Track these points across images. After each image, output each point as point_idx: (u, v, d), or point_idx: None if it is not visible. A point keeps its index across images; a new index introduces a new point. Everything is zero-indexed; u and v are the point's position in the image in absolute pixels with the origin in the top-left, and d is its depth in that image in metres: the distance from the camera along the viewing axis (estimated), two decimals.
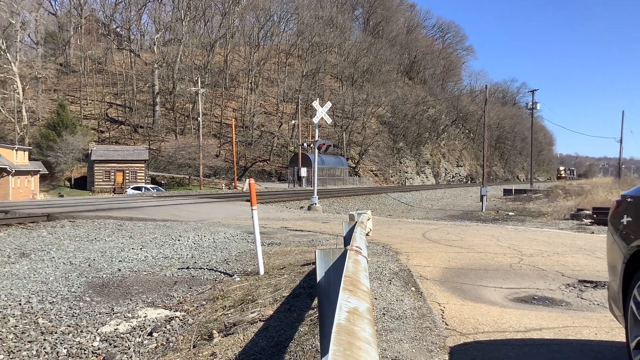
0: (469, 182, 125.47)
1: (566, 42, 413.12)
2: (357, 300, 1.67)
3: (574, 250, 10.46)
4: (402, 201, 52.73)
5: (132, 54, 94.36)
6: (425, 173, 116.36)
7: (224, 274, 9.12)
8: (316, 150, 28.95)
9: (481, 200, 43.95)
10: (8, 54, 70.90)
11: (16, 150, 56.50)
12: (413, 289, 6.62)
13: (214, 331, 5.88)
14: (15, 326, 6.61)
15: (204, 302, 7.28)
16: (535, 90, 78.35)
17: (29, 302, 7.49)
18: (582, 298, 6.44)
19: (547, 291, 6.73)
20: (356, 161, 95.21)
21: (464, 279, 7.35)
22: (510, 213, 38.77)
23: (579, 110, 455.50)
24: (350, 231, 6.63)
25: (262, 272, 8.52)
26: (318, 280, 3.11)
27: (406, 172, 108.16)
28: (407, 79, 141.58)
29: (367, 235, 7.93)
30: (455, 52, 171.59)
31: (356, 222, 7.18)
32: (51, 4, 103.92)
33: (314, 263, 8.66)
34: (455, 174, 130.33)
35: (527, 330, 4.97)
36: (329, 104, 28.27)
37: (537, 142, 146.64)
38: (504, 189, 74.61)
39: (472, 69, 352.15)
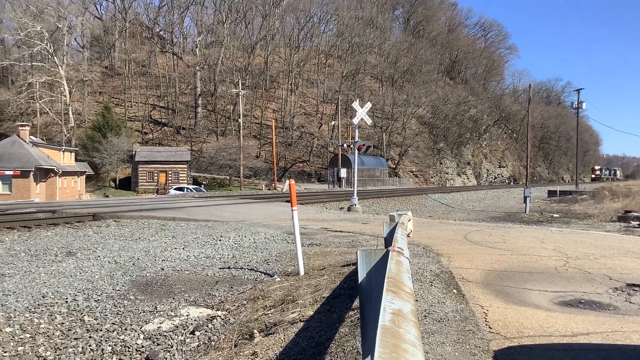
0: (511, 183, 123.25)
1: (612, 39, 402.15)
2: (401, 302, 1.65)
3: (622, 253, 10.16)
4: (442, 202, 52.17)
5: (175, 56, 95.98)
6: (466, 174, 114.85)
7: (265, 274, 9.17)
8: (356, 151, 28.88)
9: (524, 201, 43.13)
10: (55, 58, 73.03)
11: (63, 151, 58.11)
12: (455, 291, 6.53)
13: (255, 331, 5.91)
14: (62, 323, 6.77)
15: (245, 302, 7.34)
16: (581, 89, 76.82)
17: (75, 300, 7.67)
18: (630, 302, 6.24)
19: (594, 295, 6.55)
20: (396, 162, 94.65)
21: (508, 282, 7.21)
22: (554, 215, 37.96)
23: (626, 110, 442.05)
24: (391, 232, 6.58)
25: (302, 272, 8.53)
26: (359, 281, 3.09)
27: (447, 173, 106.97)
28: (448, 78, 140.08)
29: (407, 236, 7.86)
30: (498, 51, 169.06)
31: (397, 223, 7.12)
32: (97, 9, 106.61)
33: (354, 264, 8.63)
34: (498, 174, 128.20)
35: (573, 334, 4.85)
36: (368, 105, 28.18)
37: (583, 142, 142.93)
38: (548, 191, 72.99)
39: (515, 68, 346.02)
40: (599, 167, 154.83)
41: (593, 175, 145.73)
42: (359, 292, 3.16)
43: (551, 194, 69.08)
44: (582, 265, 8.63)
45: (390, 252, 2.92)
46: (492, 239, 12.64)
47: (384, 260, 2.90)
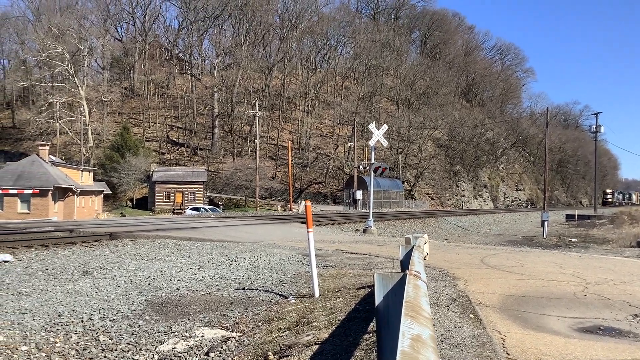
0: (529, 206, 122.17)
1: (631, 63, 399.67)
2: (419, 327, 1.63)
3: None
4: (459, 225, 51.81)
5: (193, 78, 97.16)
6: (483, 197, 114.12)
7: (280, 295, 9.13)
8: (372, 173, 28.85)
9: (542, 225, 42.70)
10: (76, 79, 74.29)
11: (82, 171, 58.76)
12: (472, 315, 6.45)
13: (269, 353, 5.87)
14: (77, 342, 6.78)
15: (260, 323, 7.30)
16: (599, 112, 76.26)
17: (91, 319, 7.69)
18: None
19: (614, 321, 6.43)
20: (412, 184, 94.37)
21: (525, 307, 7.11)
22: (573, 239, 37.51)
23: None
24: (407, 255, 6.54)
25: (317, 294, 8.49)
26: (376, 304, 3.07)
27: (463, 196, 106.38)
28: (465, 101, 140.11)
29: (423, 259, 7.81)
30: (515, 74, 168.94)
31: (413, 245, 7.08)
32: (117, 31, 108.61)
33: (370, 286, 8.58)
34: (515, 198, 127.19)
35: None
36: (385, 127, 28.22)
37: (601, 166, 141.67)
38: (566, 215, 72.22)
39: (532, 91, 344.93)
40: (611, 191, 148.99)
41: (604, 200, 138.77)
42: (376, 315, 3.13)
43: (569, 218, 68.32)
44: (601, 291, 8.49)
45: (407, 275, 2.90)
46: (509, 263, 12.50)
47: (401, 283, 2.88)
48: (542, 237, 40.77)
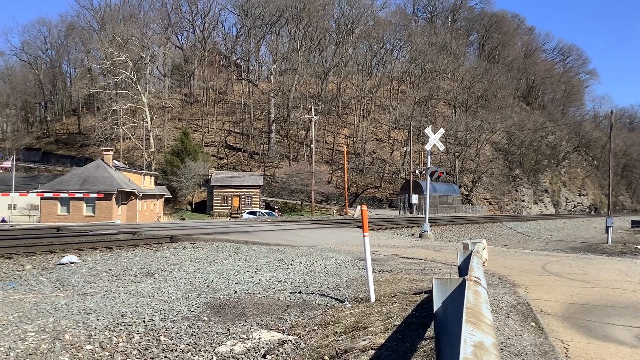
0: (592, 212, 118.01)
1: None
2: (481, 334, 1.60)
3: None
4: (518, 231, 50.56)
5: (251, 83, 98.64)
6: (543, 202, 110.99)
7: (335, 299, 9.13)
8: (428, 178, 28.54)
9: (606, 231, 41.20)
10: (139, 86, 76.64)
11: (144, 175, 60.45)
12: (533, 324, 6.28)
13: (326, 357, 5.88)
14: (139, 342, 6.97)
15: (316, 327, 7.32)
16: None
17: (152, 320, 7.88)
18: None
19: None
20: (469, 189, 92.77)
21: (589, 316, 6.87)
22: (639, 246, 36.02)
23: None
24: (466, 261, 6.43)
25: (373, 299, 8.44)
26: (435, 310, 3.03)
27: (523, 201, 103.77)
28: (525, 104, 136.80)
29: (482, 265, 7.65)
30: (577, 76, 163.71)
31: (471, 251, 6.96)
32: (178, 39, 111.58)
33: (426, 292, 8.47)
34: (577, 203, 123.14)
35: None
36: (441, 131, 27.87)
37: None
38: (632, 221, 69.37)
39: (596, 93, 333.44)
40: None
41: None
42: (434, 321, 3.09)
43: (635, 224, 65.69)
44: None
45: (467, 281, 2.84)
46: (572, 270, 12.10)
47: (460, 289, 2.83)
48: (606, 243, 39.37)
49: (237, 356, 6.49)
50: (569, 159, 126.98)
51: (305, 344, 6.66)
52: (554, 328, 6.11)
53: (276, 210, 67.62)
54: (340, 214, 66.33)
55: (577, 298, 8.18)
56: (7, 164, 67.87)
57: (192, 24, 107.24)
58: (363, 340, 6.15)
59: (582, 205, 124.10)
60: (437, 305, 3.01)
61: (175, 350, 6.72)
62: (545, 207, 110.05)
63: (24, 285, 10.59)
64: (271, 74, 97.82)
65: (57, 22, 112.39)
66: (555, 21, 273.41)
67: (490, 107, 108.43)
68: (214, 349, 6.74)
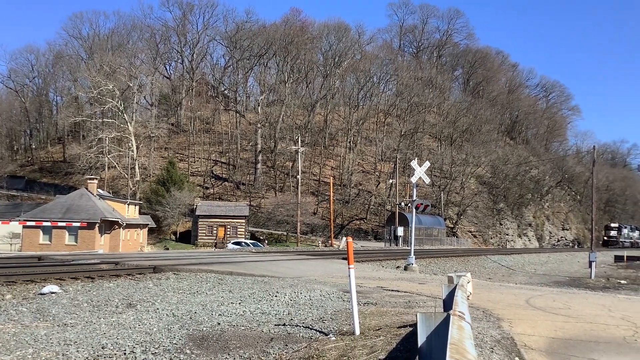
0: (575, 246, 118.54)
1: None
2: None
3: None
4: (502, 264, 50.65)
5: (238, 114, 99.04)
6: (527, 236, 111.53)
7: (320, 332, 9.06)
8: (414, 210, 28.64)
9: (590, 266, 41.45)
10: (125, 115, 76.65)
11: (128, 204, 60.05)
12: (517, 358, 6.27)
13: None
14: None
15: None
16: None
17: (133, 352, 7.76)
18: None
19: None
20: (454, 221, 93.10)
21: (573, 351, 6.88)
22: (622, 281, 36.28)
23: None
24: (451, 294, 6.45)
25: (357, 332, 8.39)
26: (419, 344, 3.04)
27: (507, 234, 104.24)
28: (509, 138, 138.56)
29: (467, 298, 7.67)
30: (560, 112, 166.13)
31: (456, 284, 6.98)
32: (166, 69, 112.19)
33: (411, 325, 8.45)
34: (561, 237, 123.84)
35: None
36: (427, 164, 28.09)
37: None
38: (615, 255, 69.88)
39: (579, 129, 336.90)
40: (616, 225, 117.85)
41: (605, 238, 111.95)
42: (419, 356, 3.09)
43: (618, 259, 66.18)
44: None
45: (451, 316, 2.86)
46: (555, 304, 12.14)
47: (445, 324, 2.84)
48: (589, 278, 39.57)
49: None
50: (552, 193, 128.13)
51: None
52: None
53: (264, 242, 67.29)
54: (325, 246, 66.10)
55: (561, 333, 8.20)
56: None
57: (181, 54, 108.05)
58: None
59: (566, 239, 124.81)
60: (421, 340, 3.02)
61: None
62: (529, 240, 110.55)
63: (4, 315, 10.40)
64: (258, 105, 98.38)
65: (44, 51, 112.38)
66: (539, 57, 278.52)
67: (474, 141, 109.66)
68: None
